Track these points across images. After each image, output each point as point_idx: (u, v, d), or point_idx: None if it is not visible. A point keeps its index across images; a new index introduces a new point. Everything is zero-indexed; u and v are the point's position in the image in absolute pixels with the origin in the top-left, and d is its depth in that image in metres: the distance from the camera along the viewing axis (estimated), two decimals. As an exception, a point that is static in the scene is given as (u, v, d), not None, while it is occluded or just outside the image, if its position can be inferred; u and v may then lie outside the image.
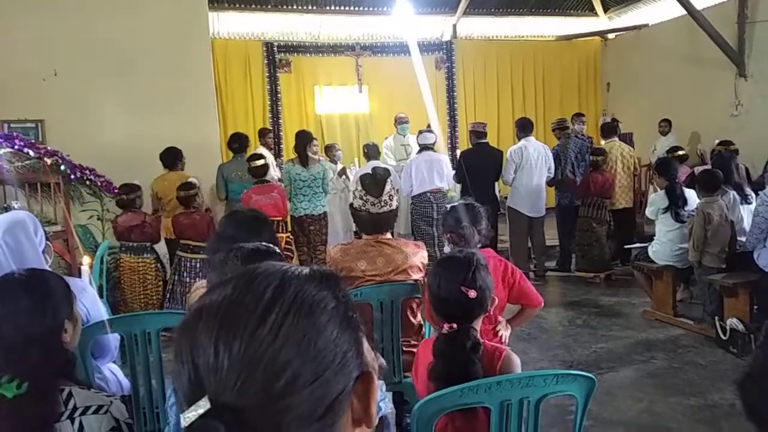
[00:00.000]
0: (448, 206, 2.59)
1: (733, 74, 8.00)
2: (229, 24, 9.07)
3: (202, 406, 0.58)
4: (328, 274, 0.70)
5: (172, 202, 5.43)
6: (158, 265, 5.08)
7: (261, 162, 5.54)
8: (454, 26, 10.16)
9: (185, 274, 4.91)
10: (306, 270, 0.69)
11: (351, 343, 0.66)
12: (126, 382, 2.48)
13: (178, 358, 0.63)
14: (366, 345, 0.70)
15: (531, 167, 6.38)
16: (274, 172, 6.37)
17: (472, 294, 1.75)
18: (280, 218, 5.43)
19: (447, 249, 2.65)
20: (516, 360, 1.77)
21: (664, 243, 4.99)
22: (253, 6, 9.07)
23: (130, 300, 4.96)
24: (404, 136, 7.43)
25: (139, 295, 4.97)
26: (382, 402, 0.80)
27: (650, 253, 5.08)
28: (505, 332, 2.47)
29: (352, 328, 0.67)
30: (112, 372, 2.49)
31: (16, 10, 5.99)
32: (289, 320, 0.62)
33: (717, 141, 6.51)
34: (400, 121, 7.43)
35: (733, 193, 4.89)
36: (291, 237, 5.48)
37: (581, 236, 6.43)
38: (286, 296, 0.64)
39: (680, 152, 6.56)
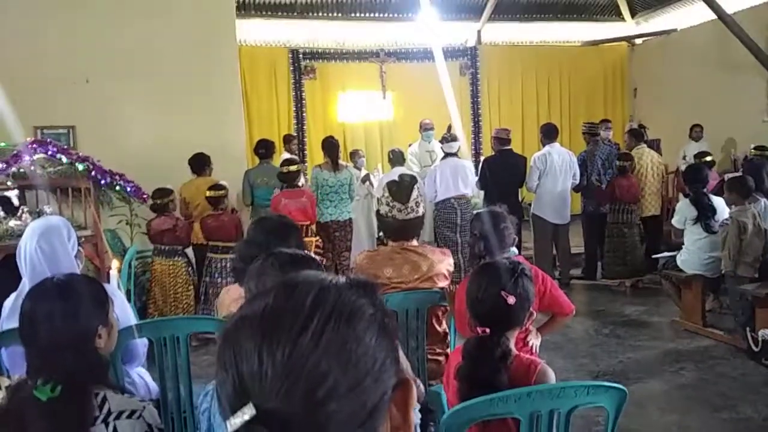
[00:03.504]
0: (474, 212, 2.57)
1: (764, 79, 7.85)
2: (255, 31, 9.18)
3: (248, 412, 0.59)
4: (366, 283, 0.71)
5: (200, 207, 5.51)
6: (189, 268, 5.16)
7: (294, 167, 5.57)
8: (479, 32, 10.13)
9: (216, 275, 4.99)
10: (343, 279, 0.71)
11: (388, 350, 0.67)
12: (154, 386, 2.51)
13: (221, 365, 0.64)
14: (402, 353, 0.70)
15: (555, 174, 6.33)
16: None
17: (511, 300, 1.74)
18: (308, 223, 5.45)
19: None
20: (551, 374, 1.74)
21: (692, 252, 4.89)
22: (280, 13, 9.19)
23: (161, 302, 5.05)
24: (429, 142, 7.42)
25: (170, 298, 5.06)
26: (413, 411, 0.81)
27: (678, 262, 4.99)
28: (535, 341, 2.45)
29: (389, 336, 0.68)
30: (140, 376, 2.52)
31: (47, 17, 6.14)
32: (329, 328, 0.63)
33: (752, 146, 6.38)
34: (425, 128, 7.42)
35: (764, 201, 4.78)
36: (320, 241, 5.49)
37: (611, 243, 6.31)
38: (326, 304, 0.65)
39: (707, 158, 6.44)
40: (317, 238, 5.46)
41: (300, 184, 6.26)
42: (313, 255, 1.79)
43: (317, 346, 0.62)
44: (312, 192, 5.82)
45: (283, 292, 0.67)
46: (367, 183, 7.04)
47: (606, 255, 6.42)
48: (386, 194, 2.66)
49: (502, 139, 6.39)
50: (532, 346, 2.40)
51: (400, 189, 2.63)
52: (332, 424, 0.61)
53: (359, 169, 7.34)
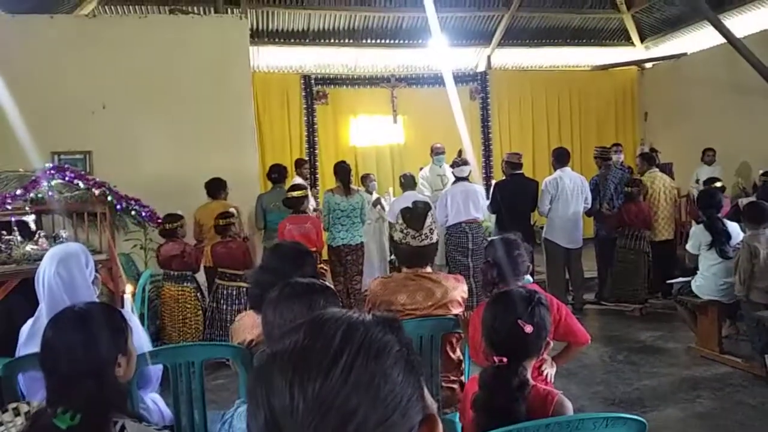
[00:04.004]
0: (488, 239, 2.57)
1: (776, 103, 7.84)
2: (268, 58, 9.34)
3: None
4: (391, 319, 0.73)
5: (213, 230, 5.56)
6: (198, 294, 5.19)
7: (298, 193, 5.60)
8: (489, 57, 10.23)
9: (222, 302, 5.00)
10: (369, 316, 0.72)
11: (415, 386, 0.68)
12: (167, 412, 2.51)
13: (252, 401, 0.66)
14: (426, 389, 0.71)
15: (567, 198, 6.32)
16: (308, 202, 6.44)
17: (528, 329, 1.73)
18: (313, 249, 5.46)
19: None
20: (568, 405, 1.73)
21: (707, 277, 4.85)
22: (292, 40, 9.33)
23: (170, 327, 5.06)
24: (440, 166, 7.45)
25: (178, 323, 5.08)
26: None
27: (694, 288, 4.94)
28: (550, 370, 2.43)
29: (416, 372, 0.70)
30: (154, 402, 2.53)
31: (65, 44, 6.28)
32: (358, 364, 0.65)
33: (761, 171, 6.35)
34: (436, 152, 7.46)
35: (777, 226, 4.75)
36: (324, 268, 5.48)
37: (618, 267, 6.33)
38: (355, 341, 0.67)
39: (718, 183, 6.42)
40: (321, 265, 5.45)
41: (309, 208, 6.30)
42: (330, 285, 1.79)
43: (346, 382, 0.63)
44: (319, 218, 5.84)
45: (312, 328, 0.69)
46: (378, 207, 7.06)
47: (611, 278, 6.41)
48: (400, 221, 2.68)
49: (513, 164, 6.41)
50: (546, 375, 2.38)
51: (414, 216, 2.64)
52: None
53: (371, 192, 7.37)
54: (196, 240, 5.69)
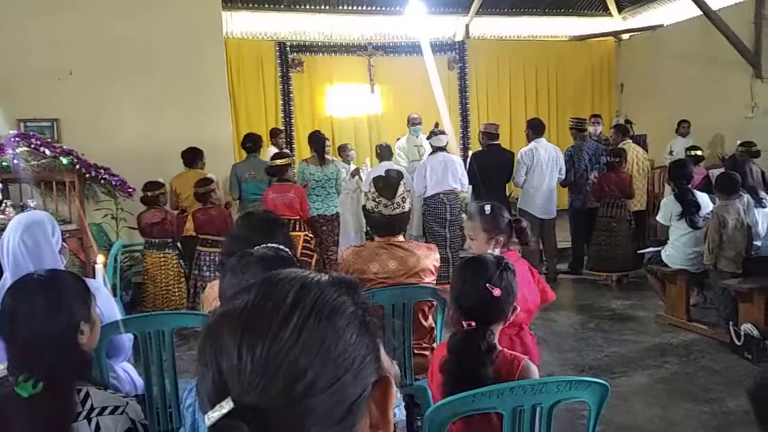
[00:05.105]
0: (478, 206, 2.54)
1: (749, 75, 7.92)
2: (242, 24, 9.11)
3: (226, 406, 0.60)
4: (348, 281, 0.72)
5: (189, 199, 5.51)
6: (180, 261, 5.18)
7: (281, 161, 5.53)
8: (467, 26, 10.14)
9: (205, 268, 4.98)
10: (326, 276, 0.71)
11: (369, 348, 0.67)
12: (139, 381, 2.50)
13: (201, 360, 0.65)
14: (383, 351, 0.71)
15: (542, 169, 6.35)
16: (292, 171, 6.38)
17: (497, 292, 1.75)
18: (296, 218, 5.42)
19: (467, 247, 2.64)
20: (534, 369, 1.76)
21: (677, 247, 4.94)
22: (266, 6, 9.12)
23: (153, 294, 5.06)
24: (417, 136, 7.42)
25: (161, 290, 5.08)
26: (397, 408, 0.81)
27: (663, 257, 5.04)
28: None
29: (371, 334, 0.69)
30: (125, 371, 2.51)
31: (31, 9, 6.05)
32: (309, 324, 0.64)
33: (739, 142, 6.44)
34: (412, 122, 7.41)
35: (747, 197, 4.84)
36: (309, 236, 5.46)
37: (598, 236, 6.35)
38: (307, 301, 0.65)
39: (698, 152, 6.48)
40: (305, 233, 5.43)
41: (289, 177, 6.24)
42: (289, 253, 1.77)
43: (297, 342, 0.62)
44: (301, 186, 5.79)
45: (265, 288, 0.67)
46: (357, 177, 7.03)
47: (593, 247, 6.45)
48: (372, 190, 2.66)
49: (490, 134, 6.41)
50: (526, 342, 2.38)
51: (387, 185, 2.63)
52: (310, 419, 0.61)
53: (349, 163, 7.32)
54: (173, 209, 5.62)
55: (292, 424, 0.61)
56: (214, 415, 0.60)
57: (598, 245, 6.37)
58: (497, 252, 2.44)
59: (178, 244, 5.27)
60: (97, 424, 1.44)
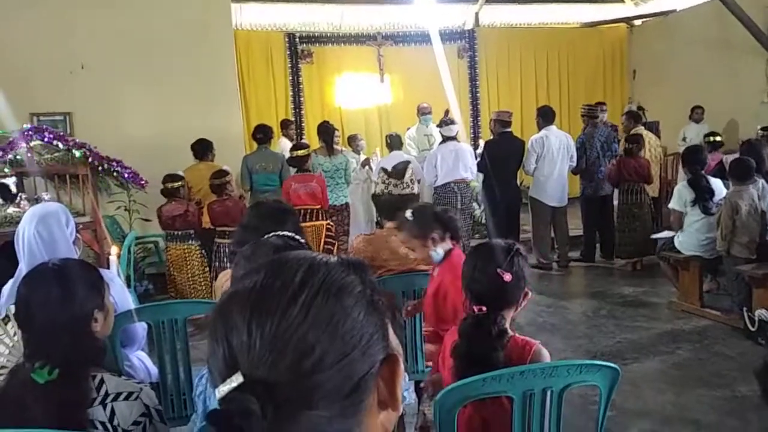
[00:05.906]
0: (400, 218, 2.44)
1: (764, 60, 7.80)
2: (251, 15, 9.11)
3: (236, 380, 0.62)
4: (356, 261, 0.73)
5: (202, 191, 5.54)
6: (202, 251, 5.21)
7: (302, 152, 5.52)
8: (477, 14, 10.06)
9: (225, 260, 5.00)
10: (334, 257, 0.72)
11: (377, 326, 0.68)
12: (154, 370, 2.53)
13: (212, 338, 0.66)
14: (391, 330, 0.72)
15: (553, 157, 6.32)
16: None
17: (507, 277, 1.76)
18: (318, 207, 5.43)
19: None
20: (546, 354, 1.76)
21: (690, 233, 4.90)
22: (275, -3, 9.10)
23: (181, 286, 5.11)
24: (427, 126, 7.39)
25: (188, 281, 5.13)
26: (406, 392, 0.82)
27: (676, 243, 5.00)
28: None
29: (378, 312, 0.70)
30: (140, 360, 2.54)
31: (43, 4, 6.09)
32: (317, 302, 0.65)
33: (759, 127, 6.33)
34: (422, 112, 7.39)
35: (762, 182, 4.78)
36: (331, 224, 5.45)
37: (621, 224, 6.31)
38: (315, 279, 0.67)
39: (717, 138, 6.39)
40: (328, 221, 5.41)
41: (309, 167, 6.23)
42: (301, 241, 1.78)
43: (305, 319, 0.63)
44: (322, 176, 5.77)
45: (274, 268, 0.69)
46: (367, 167, 7.02)
47: (618, 234, 6.39)
48: (381, 174, 2.67)
49: (503, 122, 6.35)
50: None
51: (395, 170, 2.63)
52: (318, 394, 0.62)
53: (359, 153, 7.31)
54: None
55: (301, 397, 0.62)
56: (224, 388, 0.62)
57: (621, 232, 6.32)
58: (446, 246, 2.43)
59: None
60: (112, 409, 1.47)
